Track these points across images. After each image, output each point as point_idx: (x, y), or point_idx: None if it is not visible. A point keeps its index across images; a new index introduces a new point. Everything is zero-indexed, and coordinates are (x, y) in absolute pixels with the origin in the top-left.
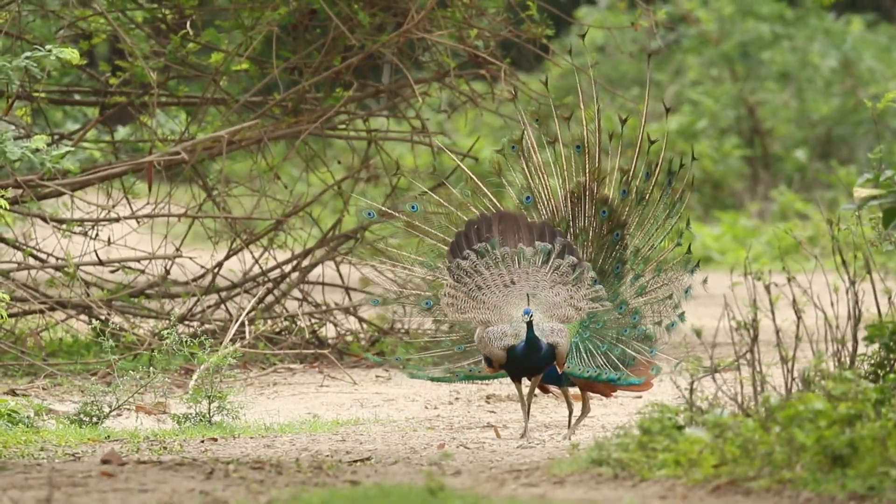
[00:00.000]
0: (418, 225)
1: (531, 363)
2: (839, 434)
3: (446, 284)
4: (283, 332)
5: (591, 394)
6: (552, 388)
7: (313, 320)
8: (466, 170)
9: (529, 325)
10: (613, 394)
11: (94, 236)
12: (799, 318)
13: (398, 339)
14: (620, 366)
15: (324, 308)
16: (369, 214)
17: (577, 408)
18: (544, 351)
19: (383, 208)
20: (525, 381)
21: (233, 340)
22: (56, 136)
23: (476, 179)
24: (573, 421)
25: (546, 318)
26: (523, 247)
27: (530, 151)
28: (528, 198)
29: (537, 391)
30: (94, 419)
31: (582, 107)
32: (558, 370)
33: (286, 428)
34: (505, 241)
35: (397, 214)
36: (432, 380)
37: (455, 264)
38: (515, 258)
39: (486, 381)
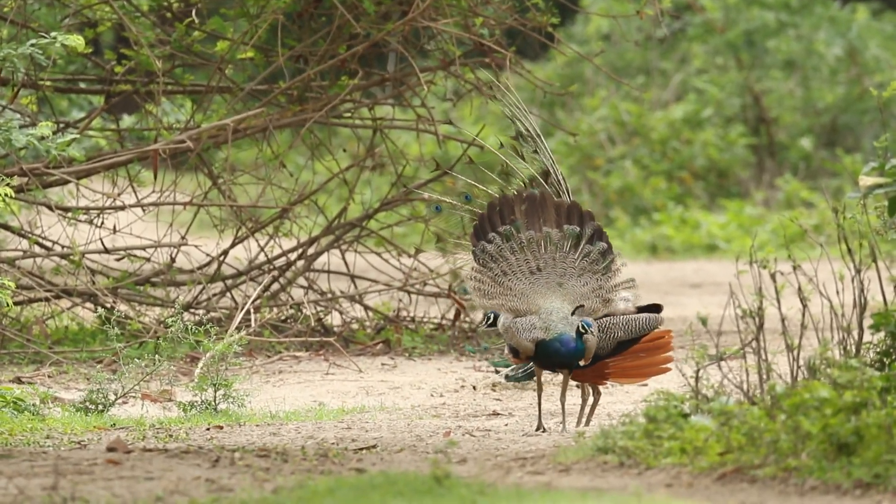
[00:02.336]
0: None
1: (561, 358)
2: (845, 422)
3: (471, 268)
4: (288, 320)
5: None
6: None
7: (319, 308)
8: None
9: (579, 334)
10: (604, 382)
11: (99, 224)
12: (804, 306)
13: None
14: None
15: (329, 296)
16: (437, 209)
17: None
18: (578, 349)
19: (447, 200)
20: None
21: (238, 328)
22: (61, 125)
23: (509, 163)
24: (586, 411)
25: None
26: (549, 230)
27: (527, 141)
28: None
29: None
30: (100, 407)
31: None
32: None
33: (292, 416)
34: (530, 223)
35: (459, 205)
36: (505, 367)
37: (480, 247)
38: (541, 243)
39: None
